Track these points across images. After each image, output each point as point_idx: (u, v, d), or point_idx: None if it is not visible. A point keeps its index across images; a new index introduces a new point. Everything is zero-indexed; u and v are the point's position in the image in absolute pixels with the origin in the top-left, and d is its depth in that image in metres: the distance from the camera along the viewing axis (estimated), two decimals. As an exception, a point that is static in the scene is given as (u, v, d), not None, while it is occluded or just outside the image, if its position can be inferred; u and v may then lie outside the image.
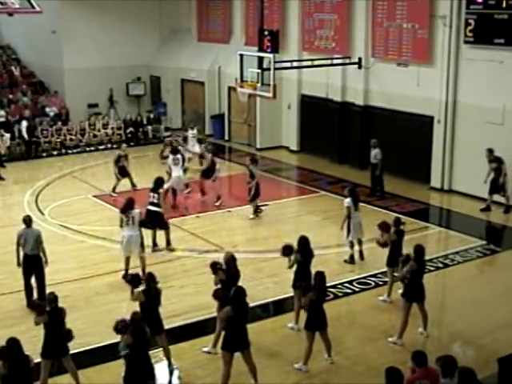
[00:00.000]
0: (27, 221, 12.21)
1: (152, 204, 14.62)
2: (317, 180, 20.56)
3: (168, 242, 14.83)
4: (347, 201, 13.83)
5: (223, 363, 9.27)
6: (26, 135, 23.99)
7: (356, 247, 14.08)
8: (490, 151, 17.00)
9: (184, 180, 18.03)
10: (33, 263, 12.01)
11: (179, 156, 17.87)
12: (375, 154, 18.33)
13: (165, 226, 14.79)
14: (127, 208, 13.08)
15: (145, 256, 13.18)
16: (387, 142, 19.35)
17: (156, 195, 14.62)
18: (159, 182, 14.91)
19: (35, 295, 12.11)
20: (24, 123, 24.31)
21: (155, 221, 14.60)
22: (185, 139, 21.55)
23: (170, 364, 10.11)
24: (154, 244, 14.70)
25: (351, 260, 14.00)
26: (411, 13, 19.39)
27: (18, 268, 12.11)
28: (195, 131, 22.01)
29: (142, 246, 13.16)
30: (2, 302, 12.27)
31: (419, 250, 10.73)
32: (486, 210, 17.32)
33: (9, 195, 19.93)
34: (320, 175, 21.05)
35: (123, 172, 19.07)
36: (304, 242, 11.29)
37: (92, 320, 11.59)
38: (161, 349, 10.07)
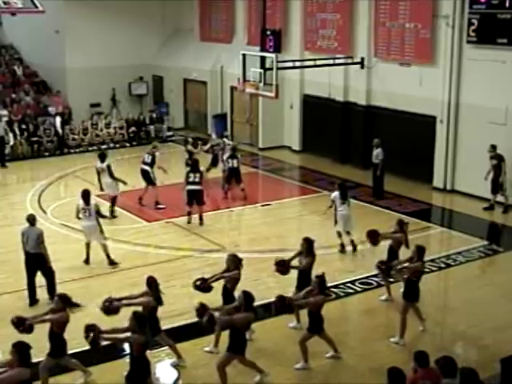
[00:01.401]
0: (31, 220, 12.33)
1: (192, 183, 16.19)
2: (319, 180, 20.53)
3: (201, 217, 16.41)
4: (334, 194, 14.54)
5: (223, 364, 9.26)
6: (60, 130, 24.54)
7: (347, 238, 14.50)
8: (493, 147, 16.94)
9: (113, 186, 17.10)
10: (35, 261, 12.11)
11: (104, 165, 16.84)
12: (377, 153, 18.34)
13: (202, 203, 16.43)
14: (84, 199, 13.83)
15: (106, 242, 14.01)
16: (389, 142, 19.33)
17: (198, 175, 16.23)
18: (195, 163, 16.63)
19: (38, 294, 12.17)
20: (58, 118, 24.64)
21: (196, 198, 16.27)
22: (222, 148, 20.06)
23: (179, 357, 10.10)
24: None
25: (342, 249, 14.52)
26: (414, 13, 19.38)
27: (20, 267, 12.17)
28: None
29: (102, 232, 13.93)
30: (5, 301, 12.28)
31: (419, 250, 10.76)
32: (490, 209, 17.32)
33: (11, 194, 19.93)
34: (322, 175, 21.01)
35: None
36: (307, 244, 11.26)
37: (95, 319, 11.52)
38: (161, 349, 10.10)
